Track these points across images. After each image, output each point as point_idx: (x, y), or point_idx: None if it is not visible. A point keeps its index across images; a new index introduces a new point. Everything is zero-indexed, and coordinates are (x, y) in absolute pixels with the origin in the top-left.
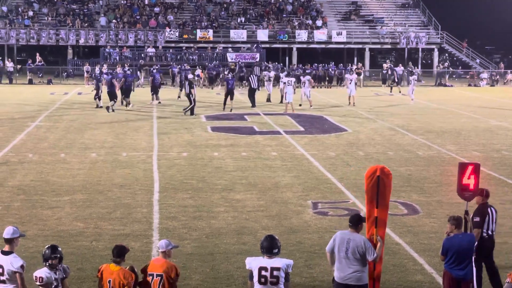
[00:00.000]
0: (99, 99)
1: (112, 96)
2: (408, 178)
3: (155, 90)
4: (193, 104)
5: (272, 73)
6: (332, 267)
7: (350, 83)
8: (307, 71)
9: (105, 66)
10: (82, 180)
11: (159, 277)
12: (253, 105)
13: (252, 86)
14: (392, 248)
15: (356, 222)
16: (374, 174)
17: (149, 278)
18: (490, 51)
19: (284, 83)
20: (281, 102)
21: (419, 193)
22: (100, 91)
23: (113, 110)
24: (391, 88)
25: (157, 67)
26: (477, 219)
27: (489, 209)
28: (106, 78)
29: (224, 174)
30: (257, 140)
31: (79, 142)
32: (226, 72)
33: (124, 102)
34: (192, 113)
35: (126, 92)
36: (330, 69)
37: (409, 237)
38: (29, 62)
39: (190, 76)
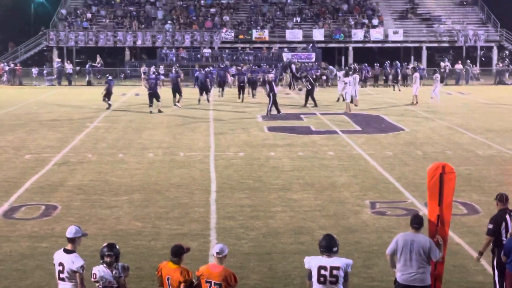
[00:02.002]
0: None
1: (154, 97)
2: (467, 177)
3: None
4: (272, 103)
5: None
6: (393, 269)
7: (415, 82)
8: (363, 70)
9: (161, 67)
10: (140, 180)
11: (218, 286)
12: (315, 105)
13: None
14: (452, 249)
15: (420, 222)
16: (437, 171)
17: (207, 286)
18: None
19: (346, 83)
20: (338, 100)
21: (479, 193)
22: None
23: (159, 111)
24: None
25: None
26: (490, 226)
27: (507, 216)
28: (150, 79)
29: (281, 174)
30: (313, 139)
31: (136, 142)
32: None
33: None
34: (278, 112)
35: (177, 91)
36: (387, 68)
37: (470, 237)
38: (89, 63)
39: (271, 76)
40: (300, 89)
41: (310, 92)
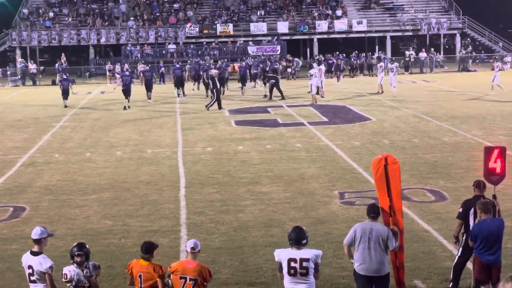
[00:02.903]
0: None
1: (127, 93)
2: (434, 164)
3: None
4: (216, 98)
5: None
6: (350, 260)
7: (380, 72)
8: (329, 61)
9: (126, 65)
10: (108, 178)
11: (193, 281)
12: (282, 97)
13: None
14: (421, 235)
15: (376, 211)
16: (380, 164)
17: (181, 282)
18: None
19: (311, 74)
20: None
21: (446, 180)
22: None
23: (128, 107)
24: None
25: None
26: (460, 209)
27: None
28: (124, 76)
29: (250, 167)
30: (281, 132)
31: (104, 140)
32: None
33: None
34: (220, 107)
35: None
36: (352, 59)
37: (438, 223)
38: (58, 62)
39: (214, 71)
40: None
41: (276, 84)
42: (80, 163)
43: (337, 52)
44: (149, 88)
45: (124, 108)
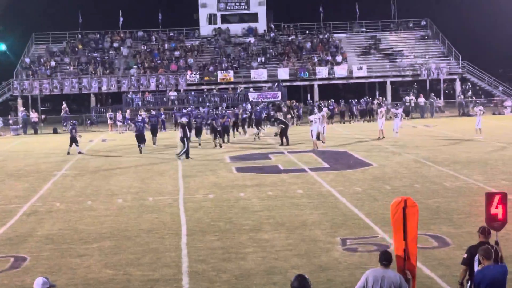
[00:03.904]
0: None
1: (140, 139)
2: (436, 210)
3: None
4: (187, 147)
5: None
6: None
7: (381, 117)
8: (329, 107)
9: (128, 111)
10: (109, 226)
11: None
12: (287, 143)
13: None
14: (424, 282)
15: (389, 258)
16: (399, 206)
17: None
18: None
19: (311, 120)
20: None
21: (449, 225)
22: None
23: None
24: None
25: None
26: (465, 255)
27: None
28: (137, 122)
29: (251, 214)
30: (282, 178)
31: (105, 188)
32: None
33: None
34: (187, 157)
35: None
36: (352, 105)
37: (441, 270)
38: (64, 110)
39: (184, 119)
40: (276, 134)
41: (284, 131)
42: (81, 211)
43: (332, 100)
44: (154, 133)
45: (140, 151)
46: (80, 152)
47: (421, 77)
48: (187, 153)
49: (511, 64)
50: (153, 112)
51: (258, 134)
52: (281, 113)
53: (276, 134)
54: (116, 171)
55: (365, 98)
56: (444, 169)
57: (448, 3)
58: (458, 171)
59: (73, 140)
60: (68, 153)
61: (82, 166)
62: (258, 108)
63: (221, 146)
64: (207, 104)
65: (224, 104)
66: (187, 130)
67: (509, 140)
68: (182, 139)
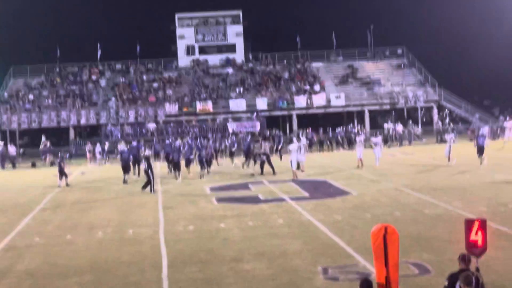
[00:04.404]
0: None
1: (126, 169)
2: (417, 237)
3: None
4: (152, 180)
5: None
6: None
7: (360, 145)
8: (308, 137)
9: (107, 143)
10: (89, 260)
11: None
12: (273, 172)
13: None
14: None
15: (369, 286)
16: (380, 233)
17: None
18: (488, 105)
19: (290, 150)
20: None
21: (429, 252)
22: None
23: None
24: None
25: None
26: (445, 282)
27: None
28: (123, 153)
29: (232, 245)
30: (262, 208)
31: (84, 222)
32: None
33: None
34: (151, 190)
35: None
36: (328, 134)
37: None
38: (45, 144)
39: (147, 152)
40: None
41: (268, 160)
42: (61, 245)
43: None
44: (136, 164)
45: (124, 182)
46: (67, 185)
47: (399, 105)
48: (151, 186)
49: (486, 91)
50: (134, 143)
51: (247, 163)
52: (260, 144)
53: (252, 175)
54: (95, 204)
55: (350, 128)
56: (424, 196)
57: (424, 32)
58: (437, 198)
59: (62, 173)
60: (67, 184)
61: (61, 199)
62: (247, 138)
63: (202, 177)
64: (190, 135)
65: (210, 135)
66: (151, 162)
67: (486, 166)
68: (146, 172)
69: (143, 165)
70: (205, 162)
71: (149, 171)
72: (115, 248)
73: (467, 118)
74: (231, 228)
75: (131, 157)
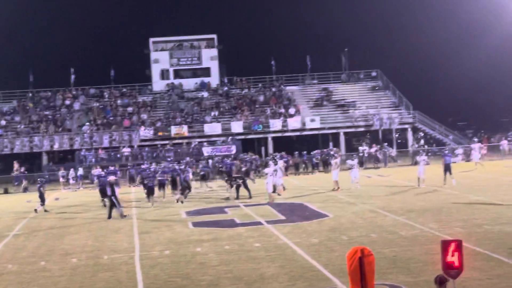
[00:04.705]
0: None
1: (103, 193)
2: (393, 259)
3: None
4: (119, 206)
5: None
6: None
7: (336, 168)
8: (283, 159)
9: (80, 169)
10: (64, 287)
11: None
12: (249, 196)
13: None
14: None
15: None
16: (356, 256)
17: None
18: (462, 127)
19: (267, 174)
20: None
21: (406, 274)
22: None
23: (105, 206)
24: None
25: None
26: None
27: None
28: (101, 177)
29: (209, 269)
30: (239, 232)
31: (59, 248)
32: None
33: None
34: (109, 216)
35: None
36: (304, 157)
37: None
38: (18, 170)
39: (112, 177)
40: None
41: (244, 184)
42: (35, 272)
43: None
44: (104, 195)
45: (104, 206)
46: (45, 210)
47: (374, 127)
48: (109, 212)
49: (460, 113)
50: (111, 168)
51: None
52: (235, 168)
53: (228, 199)
54: (70, 230)
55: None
56: (400, 218)
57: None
58: (413, 219)
59: (42, 198)
60: (45, 210)
61: (35, 225)
62: (227, 161)
63: (182, 202)
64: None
65: (188, 159)
66: (114, 189)
67: (461, 188)
68: (109, 198)
69: (108, 192)
70: (186, 187)
71: (112, 197)
72: (90, 274)
73: (441, 140)
74: (208, 252)
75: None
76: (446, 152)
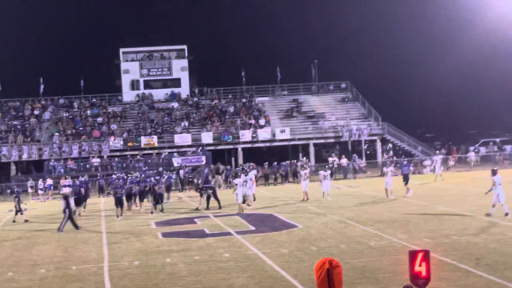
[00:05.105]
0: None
1: (78, 201)
2: (362, 269)
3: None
4: (68, 219)
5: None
6: None
7: (306, 179)
8: (255, 170)
9: (49, 179)
10: None
11: None
12: (219, 206)
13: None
14: None
15: None
16: (323, 267)
17: None
18: (430, 139)
19: (236, 184)
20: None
21: (375, 284)
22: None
23: (79, 215)
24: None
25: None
26: None
27: None
28: (75, 186)
29: (178, 280)
30: (208, 242)
31: (27, 259)
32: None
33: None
34: (60, 228)
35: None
36: (273, 167)
37: None
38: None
39: (67, 190)
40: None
41: (214, 194)
42: (2, 283)
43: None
44: (79, 203)
45: (78, 214)
46: (13, 221)
47: (343, 138)
48: (61, 225)
49: (428, 124)
50: (82, 178)
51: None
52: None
53: (197, 209)
54: (38, 240)
55: (302, 160)
56: (369, 229)
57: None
58: (382, 230)
59: (19, 207)
60: (14, 221)
61: (2, 236)
62: (206, 170)
63: (162, 211)
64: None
65: (161, 169)
66: (69, 201)
67: (429, 198)
68: (64, 210)
69: (62, 204)
70: (158, 197)
71: (67, 209)
72: (58, 285)
73: (410, 152)
74: (177, 262)
75: (82, 190)
76: (404, 163)
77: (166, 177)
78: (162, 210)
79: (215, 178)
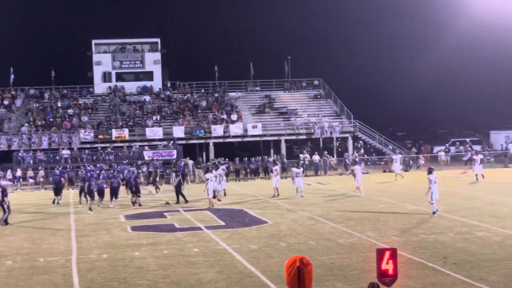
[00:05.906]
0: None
1: (57, 191)
2: (331, 266)
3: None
4: (7, 213)
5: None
6: None
7: (276, 175)
8: (225, 165)
9: (18, 170)
10: None
11: None
12: (185, 201)
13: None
14: None
15: None
16: (294, 265)
17: None
18: (401, 137)
19: (207, 179)
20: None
21: (343, 282)
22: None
23: (58, 203)
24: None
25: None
26: None
27: None
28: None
29: (146, 274)
30: (178, 237)
31: None
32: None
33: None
34: (6, 223)
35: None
36: (244, 163)
37: None
38: None
39: (3, 182)
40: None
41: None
42: None
43: (222, 158)
44: (58, 192)
45: (53, 202)
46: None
47: (315, 135)
48: (4, 219)
49: (399, 123)
50: (57, 171)
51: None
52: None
53: (167, 203)
54: (5, 232)
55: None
56: (338, 226)
57: (340, 64)
58: (351, 227)
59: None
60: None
61: None
62: (182, 163)
63: (139, 204)
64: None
65: (139, 162)
66: (7, 193)
67: (399, 197)
68: (0, 204)
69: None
70: (135, 191)
71: (3, 203)
72: (25, 277)
73: (381, 149)
74: (146, 256)
75: (62, 180)
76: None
77: (144, 169)
78: (134, 204)
79: (196, 171)
